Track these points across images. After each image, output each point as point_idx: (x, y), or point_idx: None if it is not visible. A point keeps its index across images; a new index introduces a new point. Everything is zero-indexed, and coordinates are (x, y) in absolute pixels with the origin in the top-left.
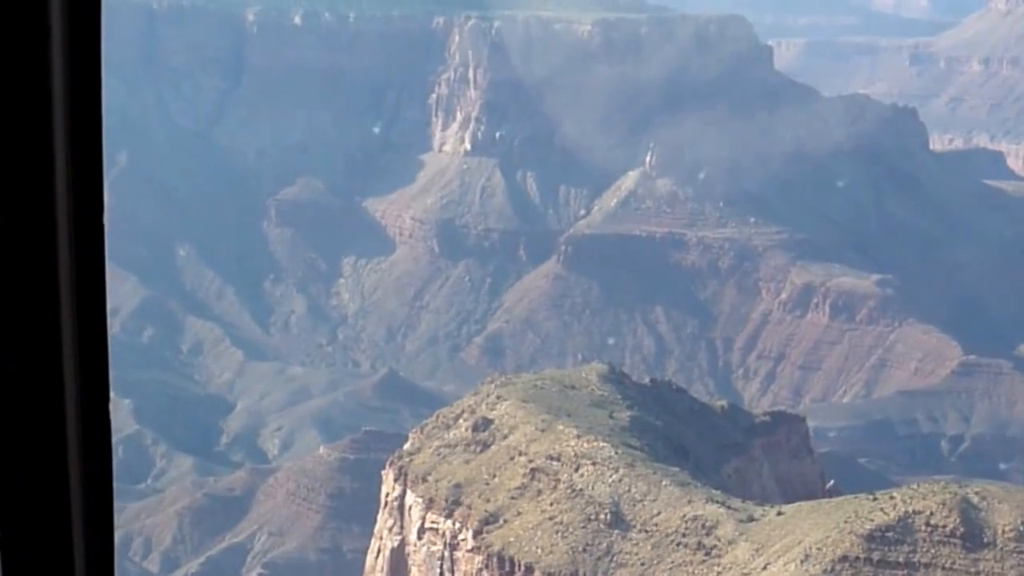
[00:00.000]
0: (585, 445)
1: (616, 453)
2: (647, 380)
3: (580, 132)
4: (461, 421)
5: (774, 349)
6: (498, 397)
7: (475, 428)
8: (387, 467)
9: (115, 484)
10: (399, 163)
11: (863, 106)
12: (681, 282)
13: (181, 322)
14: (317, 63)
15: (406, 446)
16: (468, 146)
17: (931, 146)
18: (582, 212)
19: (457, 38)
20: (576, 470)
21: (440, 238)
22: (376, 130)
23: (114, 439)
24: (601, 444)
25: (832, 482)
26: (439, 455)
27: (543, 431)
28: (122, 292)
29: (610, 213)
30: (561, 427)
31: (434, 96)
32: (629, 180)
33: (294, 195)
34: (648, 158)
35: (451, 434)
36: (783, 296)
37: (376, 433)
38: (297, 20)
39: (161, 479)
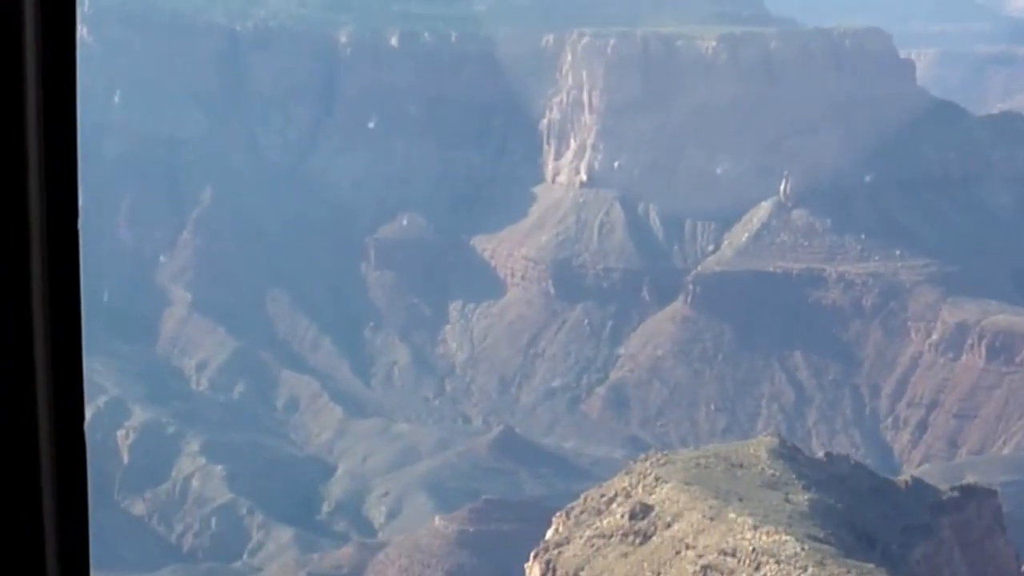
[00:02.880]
0: (764, 538)
1: (803, 549)
2: (821, 454)
3: (707, 159)
4: (615, 506)
5: (926, 396)
6: (656, 478)
7: (632, 515)
8: (531, 560)
9: (210, 560)
10: (508, 197)
11: (1016, 125)
12: (822, 323)
13: (275, 376)
14: (416, 88)
15: (550, 534)
16: (584, 177)
17: None
18: (711, 248)
19: (569, 58)
20: (756, 569)
21: (555, 279)
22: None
23: (207, 509)
24: (784, 537)
25: None
26: (592, 547)
27: (712, 519)
28: (210, 344)
29: (741, 248)
30: (733, 515)
31: (545, 122)
32: (762, 211)
33: (394, 233)
34: (782, 186)
35: (604, 522)
36: (934, 337)
37: (497, 502)
38: (394, 42)
39: (258, 554)
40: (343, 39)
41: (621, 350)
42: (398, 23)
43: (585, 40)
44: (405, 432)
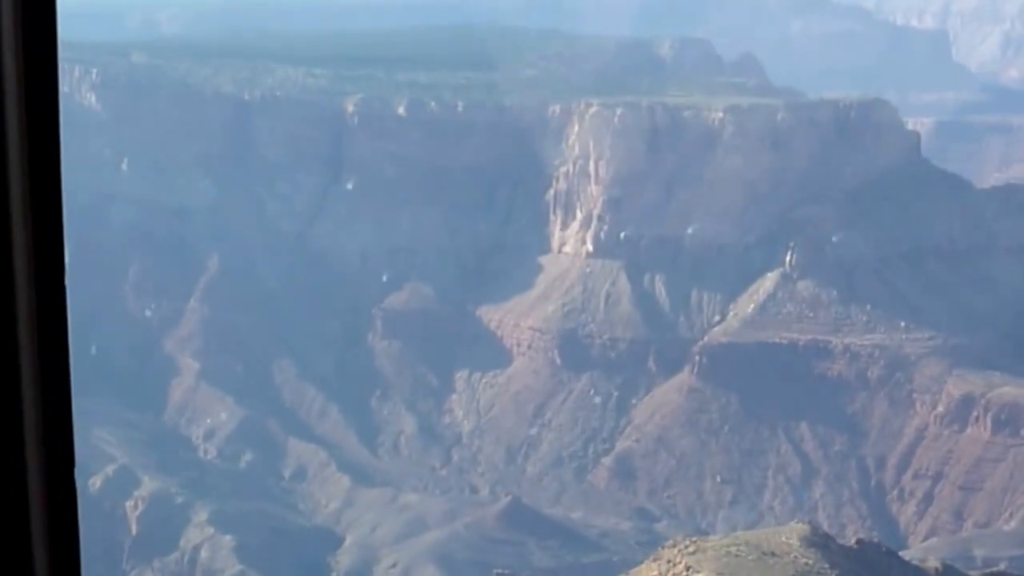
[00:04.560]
0: None
1: None
2: (853, 541)
3: (713, 230)
4: None
5: (931, 468)
6: (687, 567)
7: None
8: None
9: None
10: (515, 267)
11: (1020, 197)
12: (827, 394)
13: (282, 445)
14: (423, 157)
15: None
16: (590, 247)
17: None
18: (716, 318)
19: (576, 127)
20: None
21: (562, 349)
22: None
23: None
24: None
25: None
26: None
27: None
28: (218, 413)
29: (747, 319)
30: None
31: (552, 192)
32: (768, 282)
33: (401, 303)
34: (788, 257)
35: None
36: (940, 409)
37: None
38: (401, 111)
39: None
40: (350, 108)
41: (627, 419)
42: (405, 92)
43: (592, 110)
44: (413, 502)
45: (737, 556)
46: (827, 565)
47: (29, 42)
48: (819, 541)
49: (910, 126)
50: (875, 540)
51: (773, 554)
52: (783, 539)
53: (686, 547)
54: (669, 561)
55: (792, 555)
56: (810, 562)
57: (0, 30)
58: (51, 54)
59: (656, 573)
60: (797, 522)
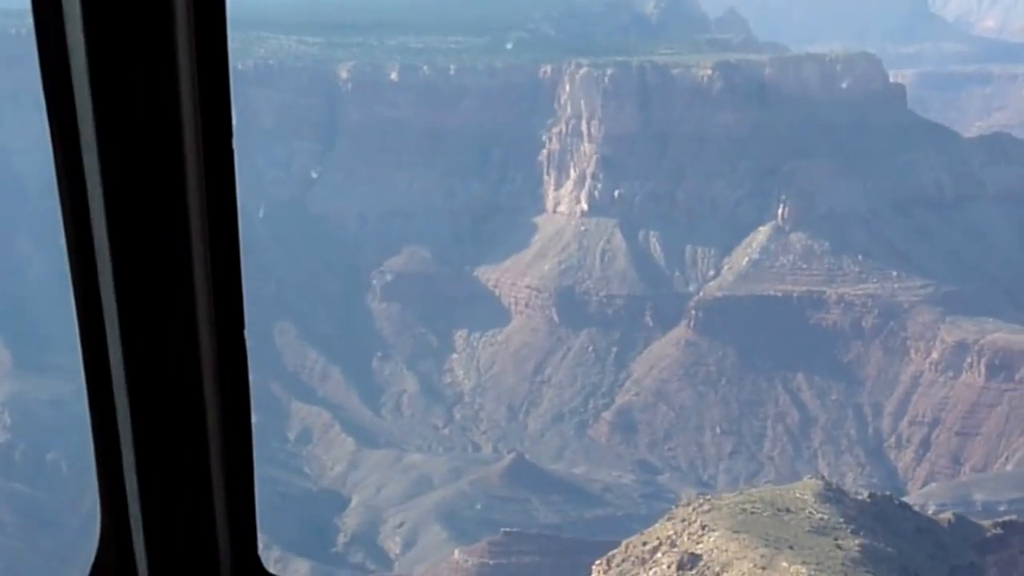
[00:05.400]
0: None
1: None
2: (865, 495)
3: (705, 186)
4: (660, 555)
5: (928, 414)
6: (703, 526)
7: (680, 565)
8: None
9: None
10: (510, 227)
11: (1005, 145)
12: (823, 345)
13: (286, 408)
14: (417, 121)
15: None
16: (585, 206)
17: None
18: (711, 273)
19: (568, 88)
20: None
21: (559, 307)
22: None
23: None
24: None
25: None
26: None
27: (764, 569)
28: None
29: (742, 273)
30: (785, 563)
31: (545, 152)
32: (760, 236)
33: (399, 266)
34: (780, 210)
35: (650, 572)
36: (934, 356)
37: (516, 535)
38: (394, 76)
39: None
40: (344, 75)
41: (626, 374)
42: (397, 58)
43: (583, 71)
44: (417, 462)
45: (752, 513)
46: (842, 520)
47: (202, 41)
48: (832, 496)
49: (891, 79)
50: (887, 494)
51: (788, 510)
52: (796, 495)
53: (700, 505)
54: (684, 520)
55: (807, 511)
56: (825, 517)
57: (175, 29)
58: (222, 55)
59: (672, 532)
60: (809, 477)
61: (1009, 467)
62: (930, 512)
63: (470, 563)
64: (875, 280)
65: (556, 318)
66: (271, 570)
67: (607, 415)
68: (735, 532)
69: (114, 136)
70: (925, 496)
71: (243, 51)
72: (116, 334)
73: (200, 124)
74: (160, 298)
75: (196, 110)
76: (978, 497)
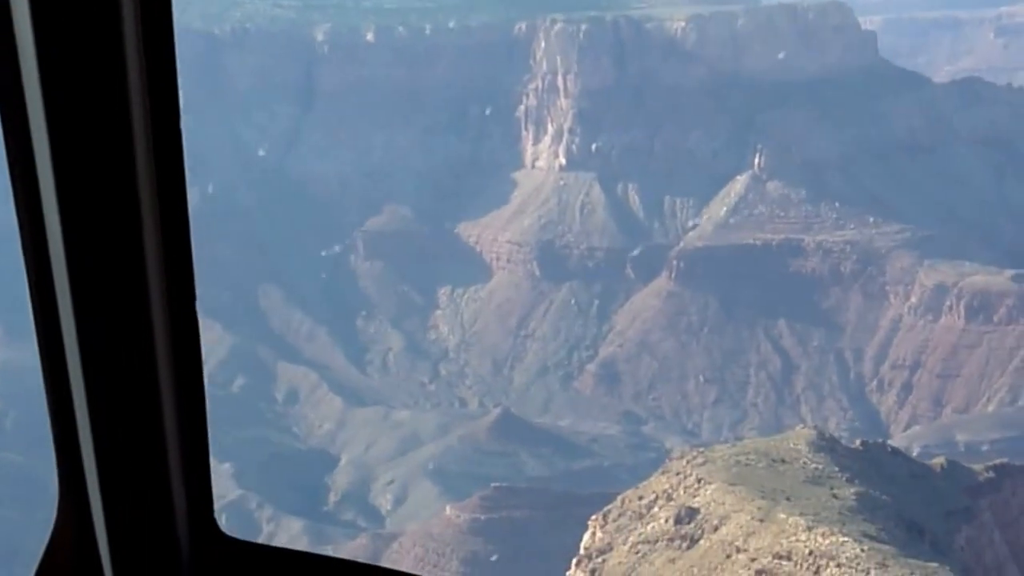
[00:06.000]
0: (820, 539)
1: (863, 551)
2: (858, 443)
3: (682, 137)
4: (657, 509)
5: (908, 357)
6: (698, 479)
7: (678, 519)
8: (573, 568)
9: None
10: (490, 183)
11: (977, 90)
12: (803, 291)
13: (273, 369)
14: (394, 81)
15: (587, 539)
16: (563, 160)
17: None
18: (691, 223)
19: (543, 44)
20: (816, 573)
21: (540, 261)
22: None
23: (217, 506)
24: (842, 539)
25: None
26: (637, 553)
27: (762, 521)
28: (207, 341)
29: (721, 222)
30: (783, 515)
31: (522, 108)
32: (738, 185)
33: (381, 225)
34: (756, 160)
35: (648, 526)
36: (913, 300)
37: (506, 489)
38: (370, 37)
39: None
40: (320, 37)
41: (609, 326)
42: (372, 19)
43: (558, 26)
44: (405, 419)
45: (747, 465)
46: (836, 468)
47: (149, 37)
48: (826, 445)
49: (861, 27)
50: (880, 441)
51: (783, 461)
52: (791, 445)
53: (694, 458)
54: (679, 473)
55: (801, 461)
56: (820, 466)
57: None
58: (169, 46)
59: (667, 486)
60: (802, 427)
61: (991, 408)
62: (915, 454)
63: (462, 519)
64: (852, 226)
65: (538, 272)
66: (265, 529)
67: (591, 367)
68: (731, 485)
69: (61, 110)
70: (909, 439)
71: (219, 16)
72: (69, 307)
73: (148, 104)
74: (111, 270)
75: (143, 92)
76: (961, 438)
